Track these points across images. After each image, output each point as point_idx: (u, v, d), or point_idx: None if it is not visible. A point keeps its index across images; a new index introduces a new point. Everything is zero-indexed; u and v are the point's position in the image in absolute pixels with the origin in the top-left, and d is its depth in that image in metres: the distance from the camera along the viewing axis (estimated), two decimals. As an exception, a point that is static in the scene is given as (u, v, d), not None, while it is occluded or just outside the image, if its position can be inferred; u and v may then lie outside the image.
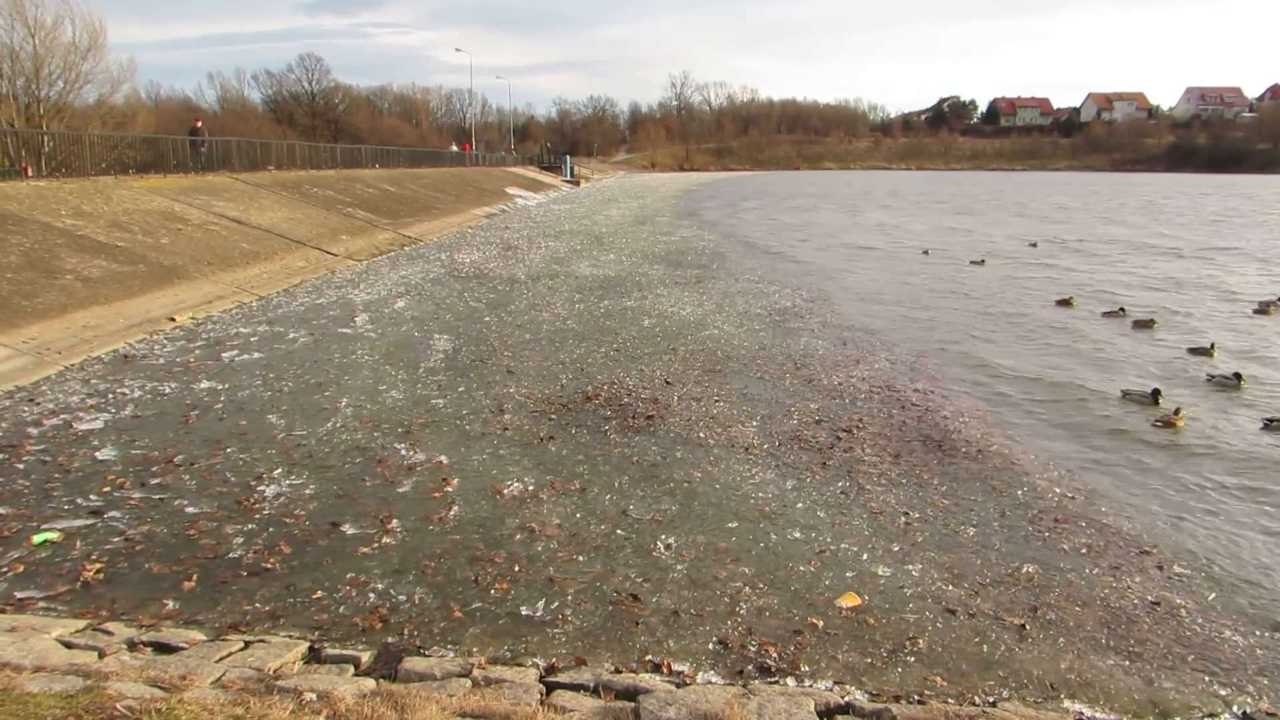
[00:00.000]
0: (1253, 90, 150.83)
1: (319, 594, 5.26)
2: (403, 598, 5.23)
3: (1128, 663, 4.81)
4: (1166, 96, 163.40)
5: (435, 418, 8.94)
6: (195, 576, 5.44)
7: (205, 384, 10.05)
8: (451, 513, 6.53)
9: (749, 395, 10.00)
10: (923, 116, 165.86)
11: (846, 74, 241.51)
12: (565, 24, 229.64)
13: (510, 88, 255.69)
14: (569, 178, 75.97)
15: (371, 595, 5.26)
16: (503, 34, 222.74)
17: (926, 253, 26.34)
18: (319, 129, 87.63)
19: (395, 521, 6.33)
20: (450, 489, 7.00)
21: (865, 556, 5.95)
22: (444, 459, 7.71)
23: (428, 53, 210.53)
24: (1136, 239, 31.55)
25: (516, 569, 5.63)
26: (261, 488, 6.96)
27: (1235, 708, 4.44)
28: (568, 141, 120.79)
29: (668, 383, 10.45)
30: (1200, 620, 5.30)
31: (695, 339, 12.96)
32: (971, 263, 23.75)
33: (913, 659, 4.74)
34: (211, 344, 12.12)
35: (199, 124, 33.08)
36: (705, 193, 66.22)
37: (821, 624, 5.05)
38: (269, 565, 5.62)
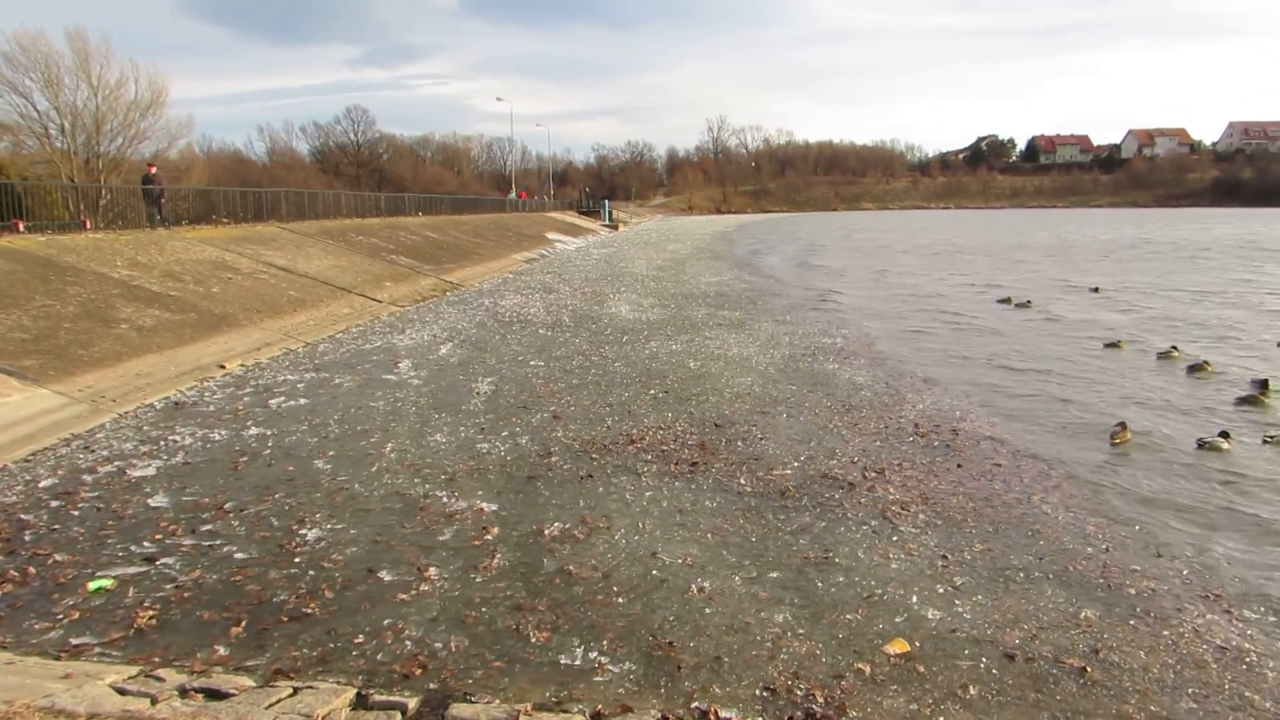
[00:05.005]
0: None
1: (360, 639, 5.28)
2: (439, 644, 5.23)
3: (1192, 717, 4.62)
4: (1208, 131, 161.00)
5: (480, 464, 8.99)
6: (243, 622, 5.49)
7: (254, 430, 10.24)
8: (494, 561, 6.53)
9: (796, 436, 9.92)
10: (961, 155, 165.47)
11: (883, 115, 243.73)
12: (603, 72, 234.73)
13: (549, 134, 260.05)
14: (608, 222, 76.80)
15: (409, 643, 5.27)
16: (541, 82, 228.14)
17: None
18: (363, 178, 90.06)
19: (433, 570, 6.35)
20: (490, 537, 7.02)
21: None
22: (485, 506, 7.73)
23: (468, 102, 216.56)
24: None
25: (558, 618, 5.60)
26: (304, 532, 7.04)
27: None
28: (606, 186, 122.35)
29: (716, 425, 10.41)
30: (1268, 672, 5.09)
31: (740, 380, 12.91)
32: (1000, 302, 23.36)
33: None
34: (260, 390, 12.37)
35: (153, 170, 26.59)
36: (742, 235, 66.52)
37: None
38: (310, 610, 5.66)
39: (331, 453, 9.34)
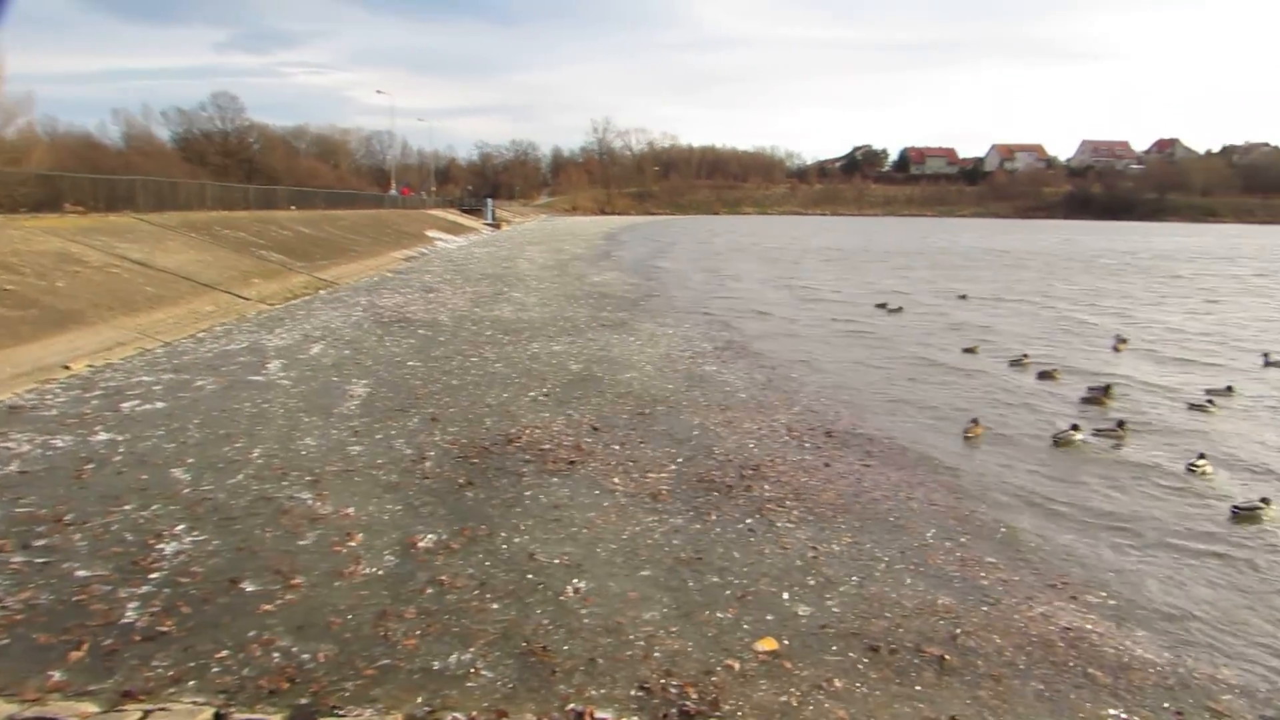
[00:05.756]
0: (1139, 144, 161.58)
1: (222, 654, 5.02)
2: (307, 655, 5.03)
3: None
4: (1063, 148, 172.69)
5: (351, 468, 8.69)
6: (86, 645, 5.12)
7: (102, 436, 9.57)
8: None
9: (675, 437, 10.04)
10: (837, 164, 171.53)
11: (764, 122, 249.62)
12: (488, 69, 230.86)
13: (431, 130, 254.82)
14: (490, 221, 75.72)
15: (276, 655, 5.04)
16: (424, 77, 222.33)
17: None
18: (232, 168, 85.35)
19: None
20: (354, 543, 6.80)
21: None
22: (355, 511, 7.49)
23: (347, 93, 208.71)
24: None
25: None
26: (159, 545, 6.63)
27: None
28: (489, 184, 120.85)
29: (595, 427, 10.42)
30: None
31: (622, 381, 12.98)
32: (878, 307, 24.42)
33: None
34: (110, 393, 11.57)
35: None
36: (626, 236, 66.91)
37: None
38: (165, 628, 5.34)
39: (191, 459, 8.83)
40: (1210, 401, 12.42)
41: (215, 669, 4.88)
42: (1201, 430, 11.24)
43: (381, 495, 7.90)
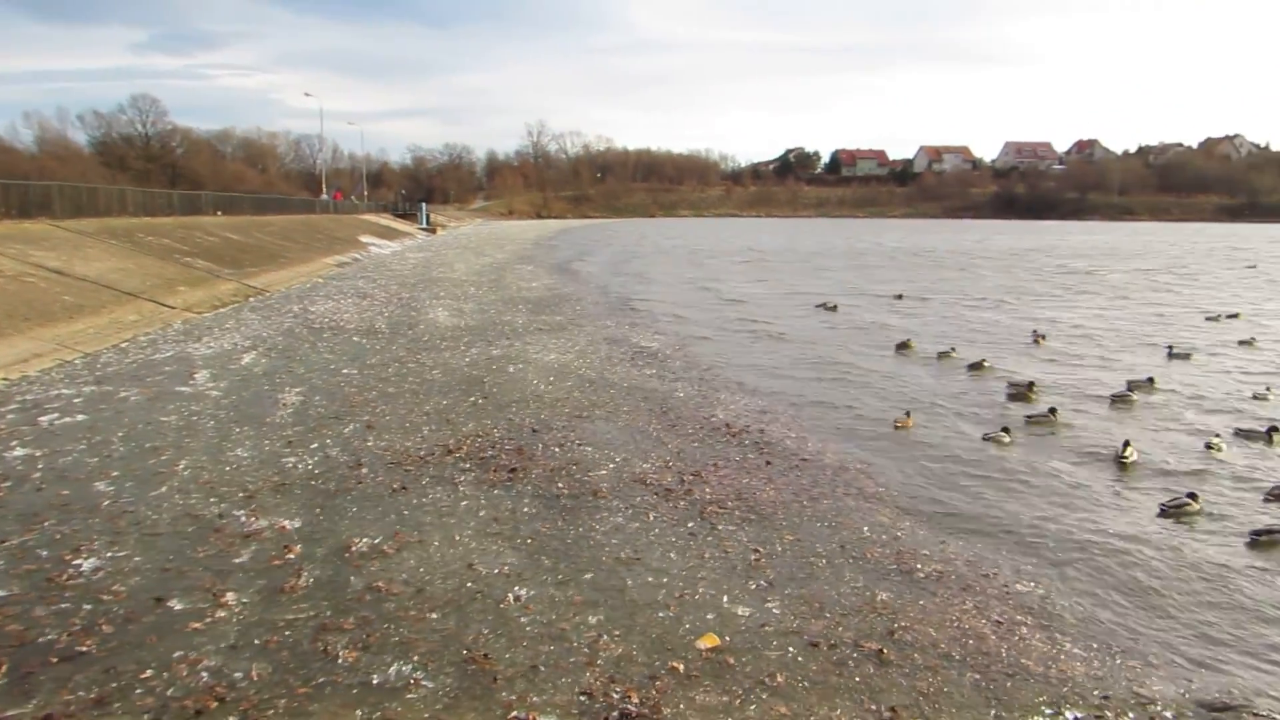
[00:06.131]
0: (1061, 145, 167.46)
1: (147, 674, 4.85)
2: (238, 674, 4.90)
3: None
4: (988, 150, 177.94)
5: (285, 479, 8.49)
6: (3, 667, 4.90)
7: (19, 451, 9.16)
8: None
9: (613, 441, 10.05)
10: (771, 166, 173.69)
11: (699, 124, 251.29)
12: (419, 71, 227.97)
13: (363, 134, 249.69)
14: (425, 225, 74.73)
15: (204, 674, 4.89)
16: (354, 79, 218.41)
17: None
18: (154, 173, 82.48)
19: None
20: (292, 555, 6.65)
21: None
22: (289, 523, 7.32)
23: (273, 96, 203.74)
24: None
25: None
26: (78, 562, 6.37)
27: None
28: (424, 189, 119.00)
29: (534, 430, 10.36)
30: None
31: (560, 385, 12.93)
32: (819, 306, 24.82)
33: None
34: (27, 407, 11.09)
35: None
36: (563, 240, 66.68)
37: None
38: (85, 648, 5.14)
39: (115, 473, 8.52)
40: (1130, 393, 12.91)
41: (139, 690, 4.72)
42: (1124, 421, 11.67)
43: (320, 505, 7.73)
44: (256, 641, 5.29)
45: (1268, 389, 13.40)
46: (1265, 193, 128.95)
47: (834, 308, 24.12)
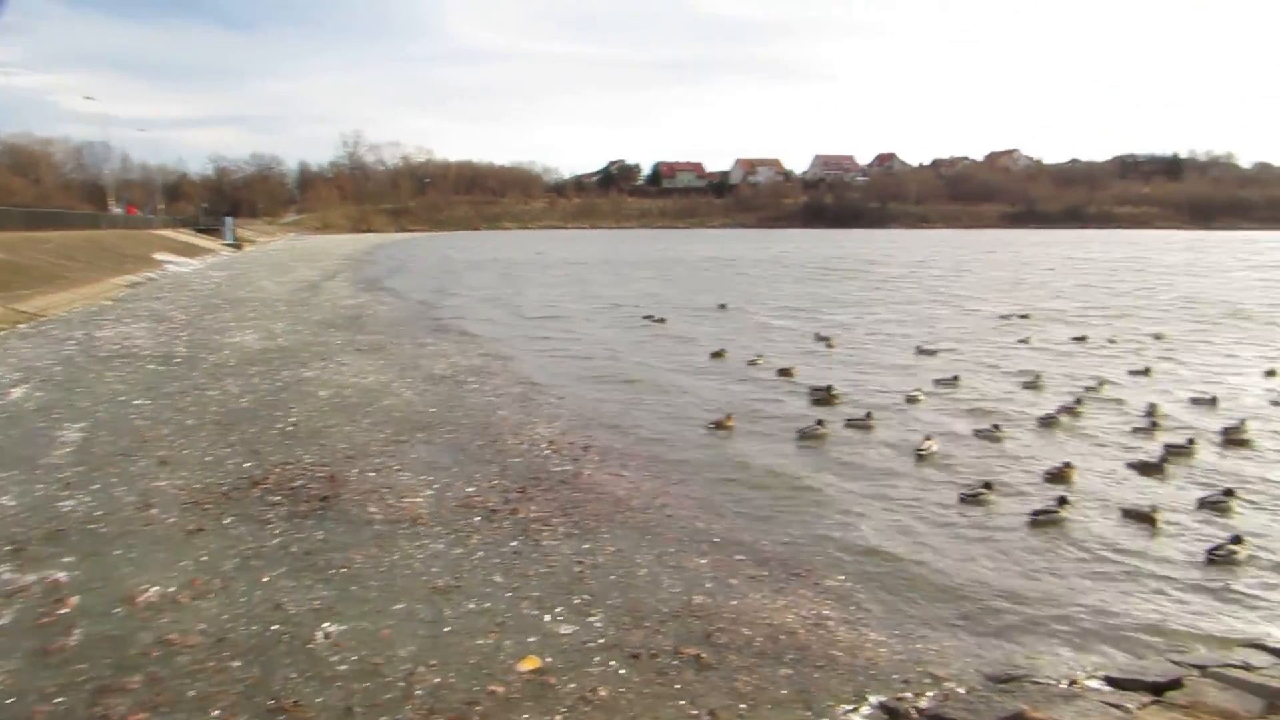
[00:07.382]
0: (863, 158, 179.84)
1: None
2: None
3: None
4: (799, 162, 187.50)
5: (61, 526, 7.68)
6: None
7: None
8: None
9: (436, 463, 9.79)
10: (594, 178, 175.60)
11: (521, 136, 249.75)
12: (221, 76, 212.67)
13: (157, 142, 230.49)
14: (231, 241, 70.08)
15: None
16: (143, 83, 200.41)
17: None
18: (-100, 186, 72.76)
19: (0, 660, 5.31)
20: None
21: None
22: (64, 576, 6.64)
23: (47, 98, 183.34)
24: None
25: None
26: None
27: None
28: (228, 202, 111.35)
29: (350, 456, 9.93)
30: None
31: (378, 407, 12.47)
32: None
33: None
34: None
35: None
36: (381, 255, 64.44)
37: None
38: None
39: None
40: (920, 392, 13.95)
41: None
42: (922, 416, 12.56)
43: (100, 553, 7.06)
44: (19, 715, 4.75)
45: (1037, 378, 15.09)
46: (1041, 201, 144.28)
47: (662, 320, 24.39)
